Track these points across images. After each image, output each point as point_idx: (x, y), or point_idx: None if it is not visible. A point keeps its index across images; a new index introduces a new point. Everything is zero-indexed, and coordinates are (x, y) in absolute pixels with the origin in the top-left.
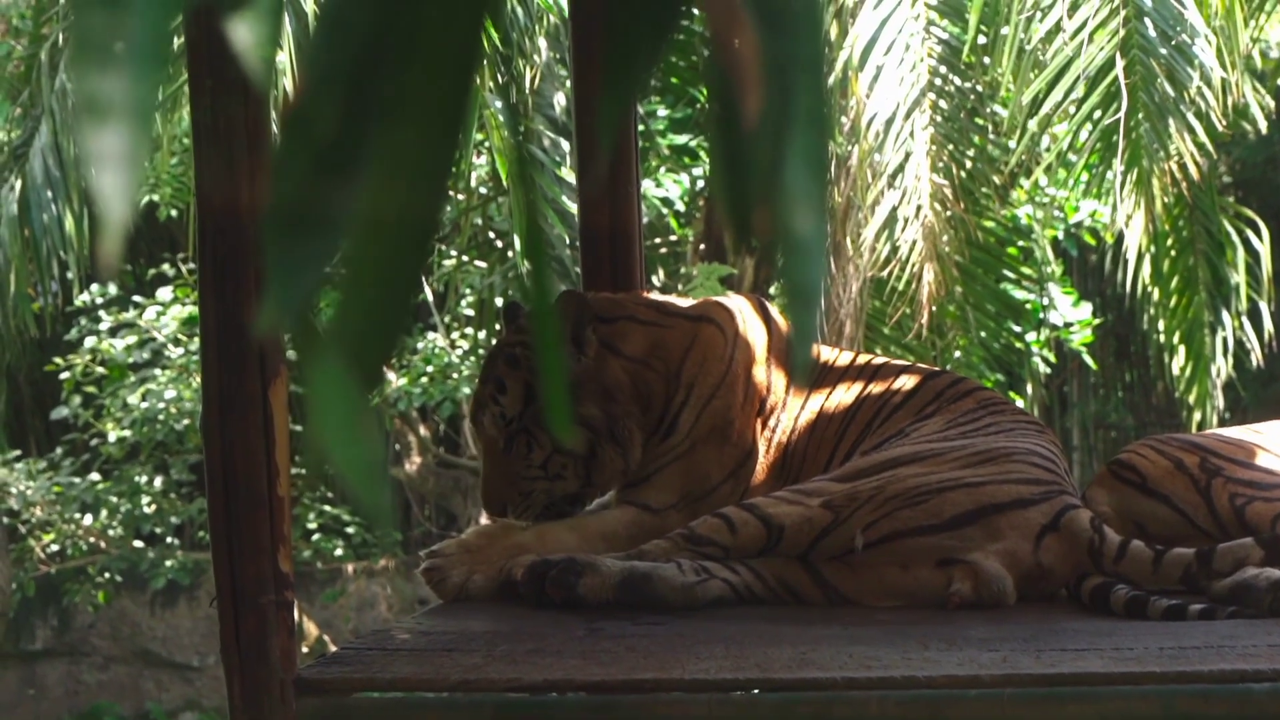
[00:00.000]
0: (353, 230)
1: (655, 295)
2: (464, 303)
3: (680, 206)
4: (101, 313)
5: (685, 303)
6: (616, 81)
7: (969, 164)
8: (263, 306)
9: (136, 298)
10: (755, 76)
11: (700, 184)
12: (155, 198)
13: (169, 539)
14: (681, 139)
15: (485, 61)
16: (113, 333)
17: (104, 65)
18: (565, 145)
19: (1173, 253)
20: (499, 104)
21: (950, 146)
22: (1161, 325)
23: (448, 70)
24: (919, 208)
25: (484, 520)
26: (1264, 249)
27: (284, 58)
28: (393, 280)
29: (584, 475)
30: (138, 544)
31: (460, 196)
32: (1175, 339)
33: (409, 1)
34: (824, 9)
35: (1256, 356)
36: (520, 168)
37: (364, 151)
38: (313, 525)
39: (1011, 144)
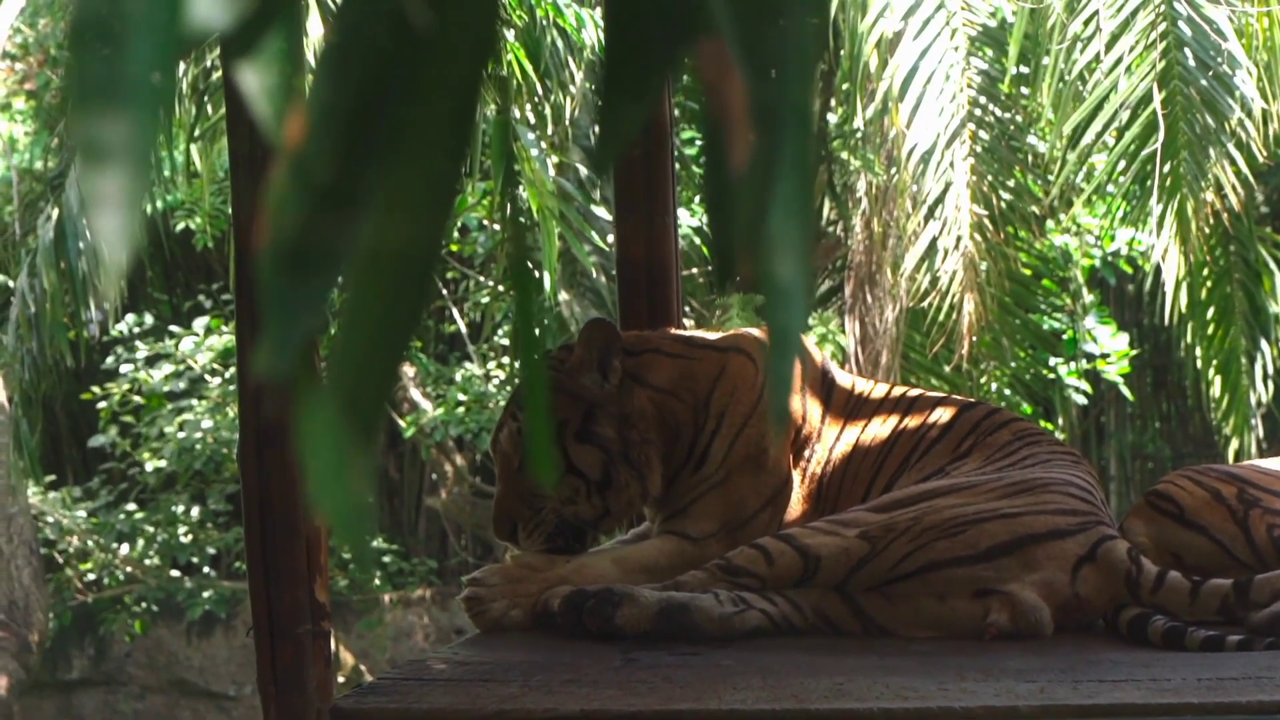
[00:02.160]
0: (351, 271)
1: (685, 331)
2: (500, 333)
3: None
4: (138, 342)
5: (715, 335)
6: (612, 125)
7: (1008, 195)
8: (259, 347)
9: (173, 327)
10: (743, 123)
11: None
12: (192, 224)
13: (205, 569)
14: None
15: (521, 92)
16: (149, 363)
17: (103, 108)
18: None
19: (1209, 282)
20: (531, 136)
21: (990, 177)
22: (1199, 354)
23: (449, 110)
24: (959, 238)
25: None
26: None
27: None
28: (389, 323)
29: (599, 500)
30: (174, 574)
31: (497, 226)
32: (1212, 369)
33: (410, 42)
34: (816, 59)
35: None
36: (511, 214)
37: (363, 191)
38: (349, 555)
39: (1049, 175)
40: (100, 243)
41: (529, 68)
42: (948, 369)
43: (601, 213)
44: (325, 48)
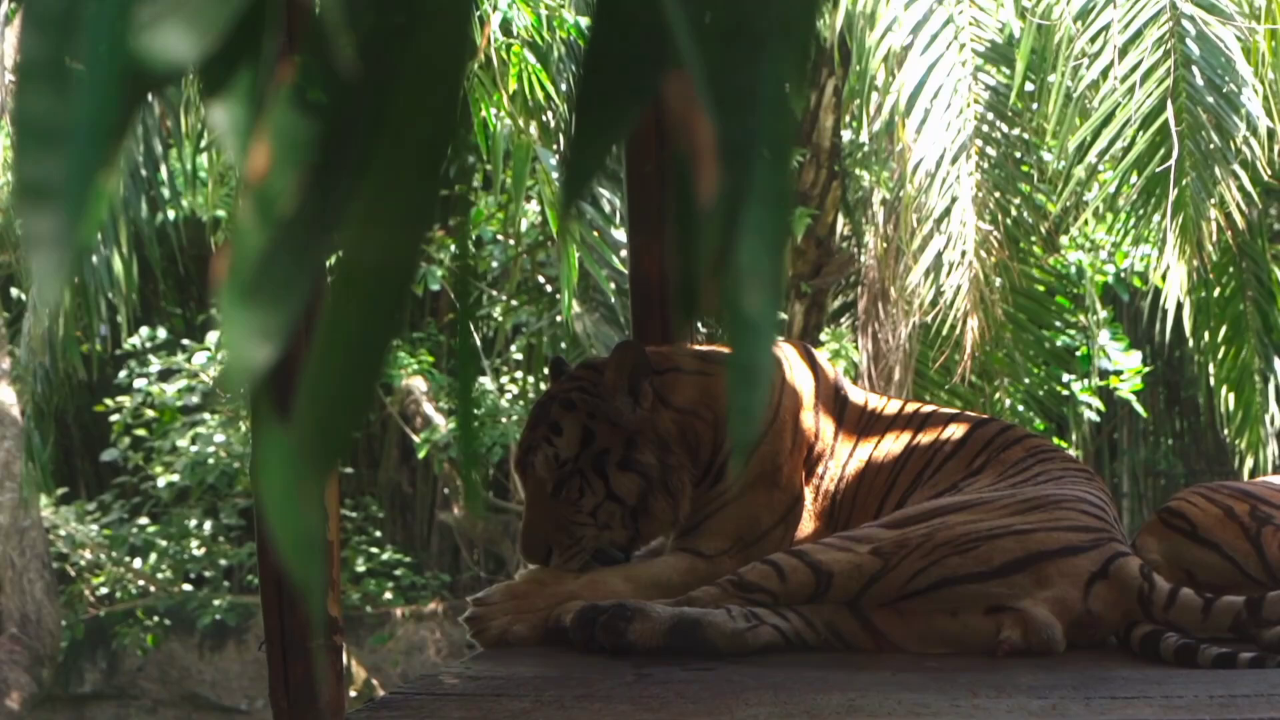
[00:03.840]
0: (322, 297)
1: (703, 346)
2: (513, 347)
3: None
4: (151, 356)
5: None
6: (582, 157)
7: (1015, 210)
8: (219, 375)
9: (186, 341)
10: (709, 157)
11: None
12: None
13: (219, 582)
14: None
15: (531, 109)
16: (162, 376)
17: (46, 147)
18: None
19: (1222, 300)
20: (554, 161)
21: (997, 193)
22: (1212, 371)
23: (422, 135)
24: (964, 253)
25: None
26: None
27: None
28: (361, 349)
29: (632, 525)
30: (186, 588)
31: (511, 241)
32: (1225, 386)
33: (383, 74)
34: (793, 94)
35: None
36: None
37: (329, 221)
38: (361, 569)
39: (1056, 192)
40: (35, 280)
41: (551, 89)
42: (956, 381)
43: (614, 229)
44: (294, 79)
